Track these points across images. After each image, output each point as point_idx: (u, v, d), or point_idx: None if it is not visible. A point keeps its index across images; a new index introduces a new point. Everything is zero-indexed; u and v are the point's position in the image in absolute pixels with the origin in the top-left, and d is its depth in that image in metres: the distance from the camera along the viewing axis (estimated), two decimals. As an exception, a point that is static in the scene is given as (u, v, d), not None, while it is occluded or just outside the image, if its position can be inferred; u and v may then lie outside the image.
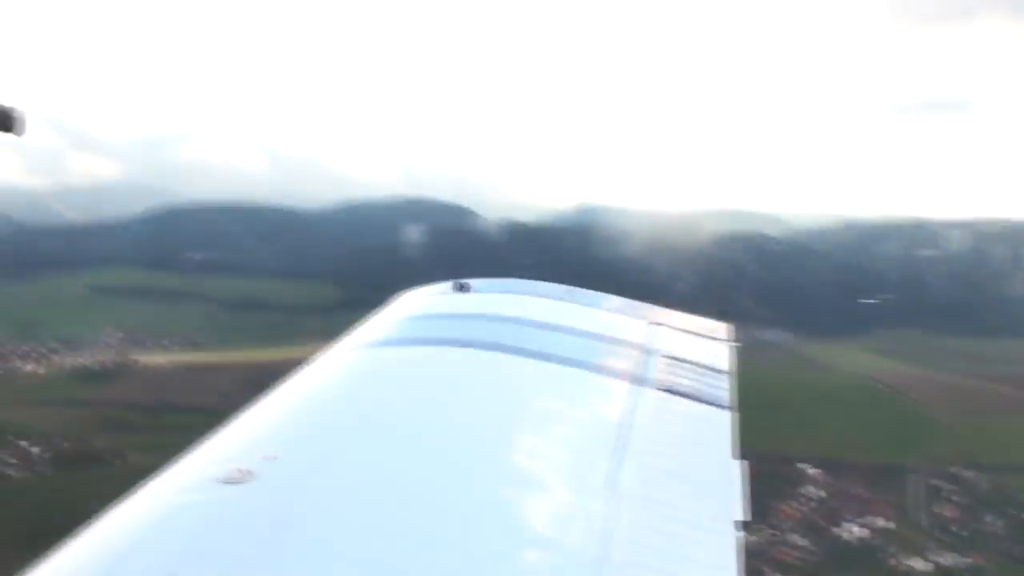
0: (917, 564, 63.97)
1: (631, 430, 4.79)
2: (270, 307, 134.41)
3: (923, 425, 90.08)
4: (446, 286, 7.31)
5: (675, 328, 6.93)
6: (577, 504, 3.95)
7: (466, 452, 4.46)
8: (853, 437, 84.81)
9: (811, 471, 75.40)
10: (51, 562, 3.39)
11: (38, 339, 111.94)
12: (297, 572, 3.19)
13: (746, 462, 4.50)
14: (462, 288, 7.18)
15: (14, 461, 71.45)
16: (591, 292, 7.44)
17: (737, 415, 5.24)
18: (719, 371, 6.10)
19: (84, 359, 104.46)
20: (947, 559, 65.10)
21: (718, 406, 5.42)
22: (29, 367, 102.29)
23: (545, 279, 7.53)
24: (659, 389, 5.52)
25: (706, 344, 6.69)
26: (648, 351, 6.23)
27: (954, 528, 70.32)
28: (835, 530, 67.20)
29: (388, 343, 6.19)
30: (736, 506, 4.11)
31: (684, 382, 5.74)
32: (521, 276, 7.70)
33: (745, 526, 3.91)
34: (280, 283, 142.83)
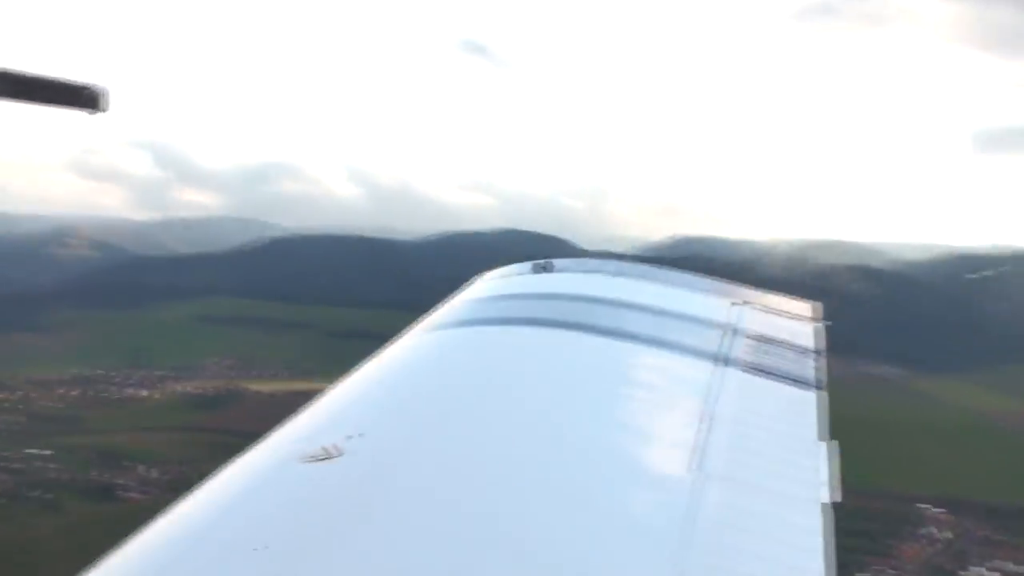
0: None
1: (717, 410, 4.65)
2: (372, 336, 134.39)
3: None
4: (526, 266, 7.21)
5: (760, 307, 6.75)
6: (663, 486, 3.84)
7: (551, 431, 4.36)
8: (973, 476, 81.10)
9: (932, 511, 72.29)
10: (146, 534, 3.44)
11: (149, 366, 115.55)
12: (382, 548, 3.12)
13: (835, 443, 4.34)
14: (544, 268, 7.05)
15: (133, 484, 73.94)
16: (674, 271, 7.30)
17: (825, 395, 5.07)
18: (806, 350, 5.95)
19: (193, 386, 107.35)
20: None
21: (805, 386, 5.28)
22: (143, 393, 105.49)
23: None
24: (745, 369, 5.39)
25: (792, 323, 6.55)
26: (733, 330, 6.06)
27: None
28: (963, 574, 63.91)
29: (470, 323, 6.10)
30: (823, 488, 3.96)
31: (770, 361, 5.60)
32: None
33: (836, 508, 3.75)
34: (381, 312, 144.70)
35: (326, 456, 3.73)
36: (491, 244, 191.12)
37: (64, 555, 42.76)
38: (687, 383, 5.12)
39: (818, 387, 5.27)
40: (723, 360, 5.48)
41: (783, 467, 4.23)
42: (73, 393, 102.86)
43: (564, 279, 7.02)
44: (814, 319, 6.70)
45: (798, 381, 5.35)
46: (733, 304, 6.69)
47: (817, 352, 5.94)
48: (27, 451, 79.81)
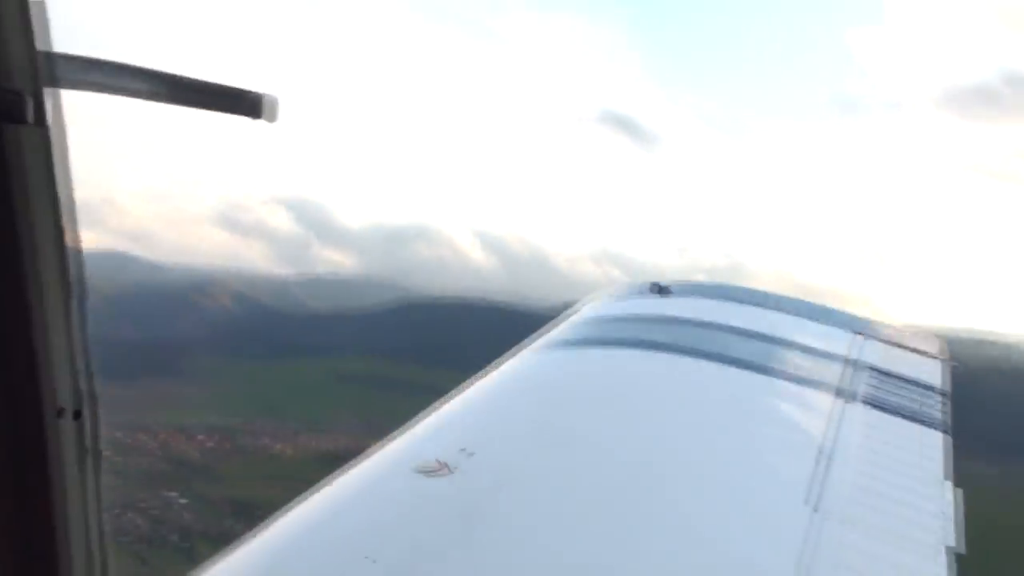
0: None
1: (836, 445, 4.53)
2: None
3: None
4: (642, 286, 7.06)
5: (883, 340, 6.67)
6: (777, 523, 3.73)
7: (662, 458, 4.28)
8: None
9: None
10: (256, 539, 3.55)
11: (283, 420, 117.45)
12: (487, 566, 3.16)
13: (960, 490, 4.13)
14: (661, 291, 7.02)
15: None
16: (793, 298, 7.14)
17: (950, 438, 4.85)
18: (930, 388, 5.83)
19: (326, 442, 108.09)
20: None
21: (929, 425, 5.17)
22: (277, 446, 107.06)
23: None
24: (866, 404, 5.30)
25: (917, 359, 6.42)
26: (854, 363, 6.05)
27: None
28: None
29: (582, 343, 6.24)
30: (949, 533, 3.81)
31: (893, 398, 5.49)
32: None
33: (958, 557, 3.61)
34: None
35: (439, 470, 3.67)
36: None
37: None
38: (805, 416, 5.05)
39: (944, 430, 5.06)
40: (843, 393, 5.42)
41: (906, 509, 4.06)
42: (210, 444, 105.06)
43: (682, 303, 6.87)
44: (940, 356, 6.47)
45: (921, 420, 5.20)
46: (855, 334, 6.59)
47: (943, 392, 5.73)
48: (165, 493, 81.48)
